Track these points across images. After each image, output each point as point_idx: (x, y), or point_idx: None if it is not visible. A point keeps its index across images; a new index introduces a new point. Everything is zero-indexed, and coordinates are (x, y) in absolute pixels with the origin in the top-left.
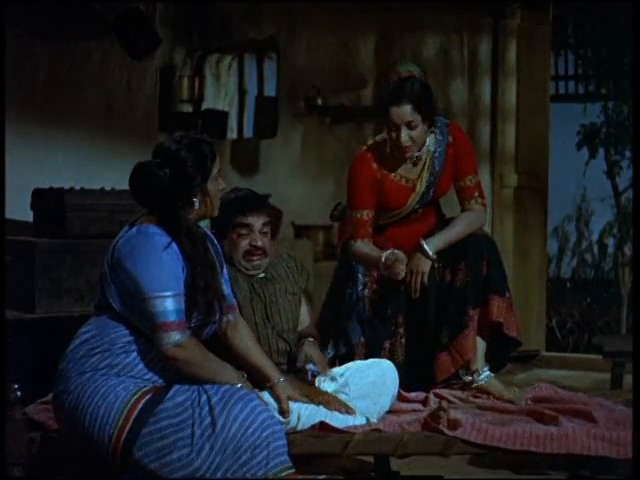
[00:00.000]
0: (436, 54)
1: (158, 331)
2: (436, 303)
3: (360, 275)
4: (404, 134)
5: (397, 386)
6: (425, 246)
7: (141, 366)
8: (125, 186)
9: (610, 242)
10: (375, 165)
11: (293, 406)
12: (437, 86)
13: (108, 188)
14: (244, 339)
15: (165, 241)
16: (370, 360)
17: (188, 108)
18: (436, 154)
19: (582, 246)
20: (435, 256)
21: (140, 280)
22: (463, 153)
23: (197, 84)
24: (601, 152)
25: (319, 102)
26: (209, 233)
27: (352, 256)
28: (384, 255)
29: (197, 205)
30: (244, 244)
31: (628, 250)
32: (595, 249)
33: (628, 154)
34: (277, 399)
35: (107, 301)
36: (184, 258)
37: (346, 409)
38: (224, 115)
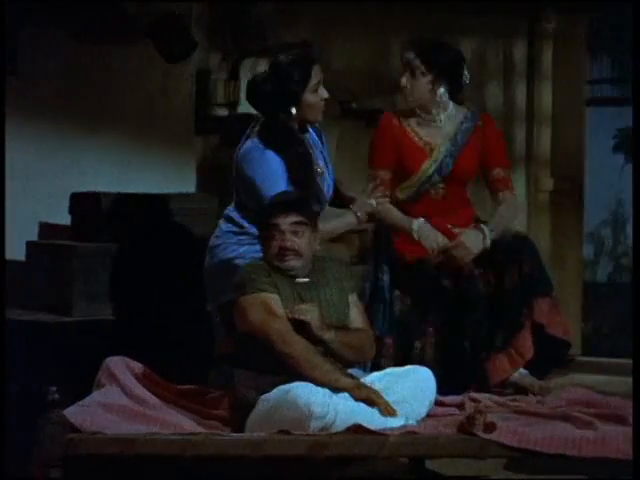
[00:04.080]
0: (471, 57)
1: None
2: (483, 306)
3: (385, 275)
4: (404, 78)
5: (434, 394)
6: (485, 229)
7: None
8: (161, 190)
9: None
10: (396, 121)
11: (332, 401)
12: (472, 89)
13: (145, 192)
14: None
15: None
16: (409, 366)
17: (224, 112)
18: (462, 127)
19: (618, 251)
20: (488, 244)
21: None
22: (494, 141)
23: (232, 88)
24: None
25: (354, 106)
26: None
27: (379, 217)
28: (416, 223)
29: (295, 114)
30: (275, 246)
31: None
32: (631, 254)
33: None
34: None
35: None
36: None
37: (387, 409)
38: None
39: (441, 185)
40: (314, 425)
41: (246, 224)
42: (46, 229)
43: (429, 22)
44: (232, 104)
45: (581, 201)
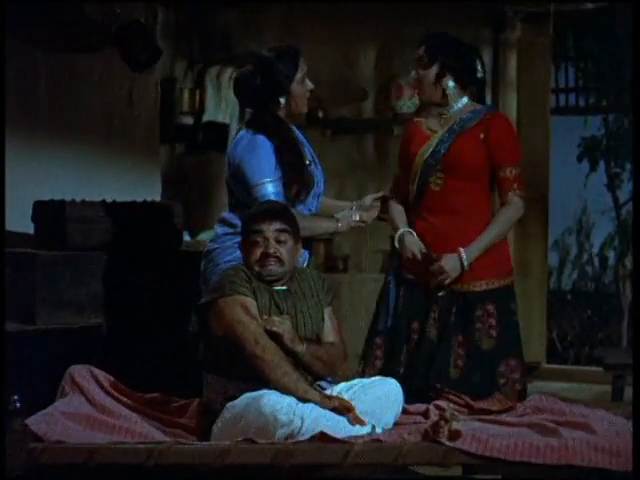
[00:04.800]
0: None
1: None
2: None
3: (392, 286)
4: (413, 72)
5: (401, 405)
6: (463, 255)
7: None
8: (126, 198)
9: (611, 255)
10: (417, 121)
11: (298, 408)
12: None
13: (109, 200)
14: None
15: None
16: (376, 377)
17: (189, 120)
18: (464, 116)
19: (583, 259)
20: (467, 267)
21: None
22: (502, 139)
23: (198, 96)
24: (601, 165)
25: (320, 114)
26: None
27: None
28: (399, 232)
29: (283, 104)
30: (257, 252)
31: (629, 263)
32: (596, 262)
33: (629, 167)
34: None
35: None
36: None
37: (355, 418)
38: (225, 127)
39: (440, 175)
40: (280, 433)
41: (240, 224)
42: (8, 237)
43: (395, 31)
44: (197, 112)
45: (546, 209)
